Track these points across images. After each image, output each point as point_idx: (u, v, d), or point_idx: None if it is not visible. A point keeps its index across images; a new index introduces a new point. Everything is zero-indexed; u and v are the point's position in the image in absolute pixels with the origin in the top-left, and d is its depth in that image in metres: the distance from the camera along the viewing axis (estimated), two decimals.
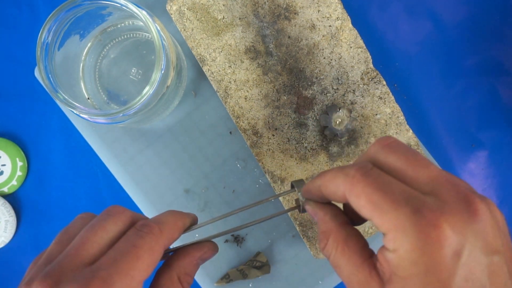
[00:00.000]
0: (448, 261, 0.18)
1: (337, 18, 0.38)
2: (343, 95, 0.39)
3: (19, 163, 0.43)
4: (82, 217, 0.25)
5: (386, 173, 0.21)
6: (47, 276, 0.21)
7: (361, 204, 0.20)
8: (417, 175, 0.21)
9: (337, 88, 0.39)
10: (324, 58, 0.38)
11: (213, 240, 0.27)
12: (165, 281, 0.25)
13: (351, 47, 0.38)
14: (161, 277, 0.25)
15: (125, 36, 0.39)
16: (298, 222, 0.38)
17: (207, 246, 0.27)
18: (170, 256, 0.26)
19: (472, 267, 0.18)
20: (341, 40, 0.38)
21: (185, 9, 0.38)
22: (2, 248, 0.43)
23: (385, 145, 0.22)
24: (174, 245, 0.27)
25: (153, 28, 0.31)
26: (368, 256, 0.22)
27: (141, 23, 0.35)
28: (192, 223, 0.27)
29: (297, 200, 0.28)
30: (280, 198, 0.39)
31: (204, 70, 0.39)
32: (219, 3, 0.38)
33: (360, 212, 0.21)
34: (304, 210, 0.27)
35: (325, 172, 0.23)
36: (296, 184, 0.27)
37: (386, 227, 0.19)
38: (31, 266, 0.24)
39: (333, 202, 0.25)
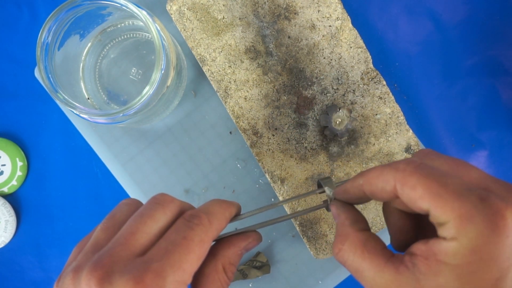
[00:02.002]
0: (510, 249, 0.18)
1: (337, 18, 0.38)
2: (343, 95, 0.39)
3: (19, 163, 0.43)
4: (127, 203, 0.25)
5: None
6: (98, 265, 0.20)
7: (418, 194, 0.20)
8: (468, 174, 0.21)
9: (337, 88, 0.39)
10: (324, 58, 0.38)
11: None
12: (210, 270, 0.24)
13: (351, 47, 0.38)
14: (206, 266, 0.24)
15: (125, 36, 0.39)
16: (298, 222, 0.38)
17: (252, 236, 0.26)
18: (214, 245, 0.26)
19: None
20: (341, 40, 0.38)
21: (185, 9, 0.38)
22: (2, 248, 0.43)
23: (428, 153, 0.23)
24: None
25: (153, 28, 0.31)
26: (390, 256, 0.21)
27: (141, 23, 0.35)
28: (237, 212, 0.26)
29: (325, 201, 0.27)
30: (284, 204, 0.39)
31: (204, 70, 0.39)
32: (219, 3, 0.38)
33: (415, 204, 0.20)
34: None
35: (367, 170, 0.23)
36: (324, 183, 0.27)
37: (447, 216, 0.19)
38: (75, 250, 0.23)
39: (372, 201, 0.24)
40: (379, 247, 0.22)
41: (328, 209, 0.27)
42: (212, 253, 0.25)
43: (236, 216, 0.26)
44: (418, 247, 0.20)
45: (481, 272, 0.19)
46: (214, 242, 0.26)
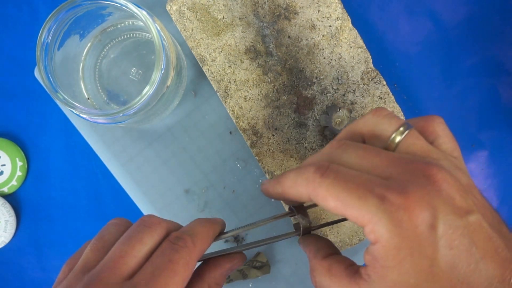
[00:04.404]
0: (427, 236, 0.19)
1: (337, 18, 0.38)
2: (343, 95, 0.39)
3: (19, 163, 0.43)
4: (116, 223, 0.25)
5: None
6: None
7: (331, 205, 0.21)
8: (372, 165, 0.21)
9: (337, 88, 0.39)
10: (324, 58, 0.38)
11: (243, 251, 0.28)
12: None
13: (351, 47, 0.38)
14: (193, 287, 0.25)
15: (125, 36, 0.39)
16: None
17: (237, 257, 0.27)
18: (201, 266, 0.26)
19: (451, 233, 0.19)
20: (341, 40, 0.38)
21: (185, 9, 0.38)
22: (2, 248, 0.43)
23: (339, 147, 0.23)
24: None
25: (153, 28, 0.31)
26: (354, 273, 0.22)
27: (141, 23, 0.35)
28: (221, 230, 0.27)
29: (296, 225, 0.28)
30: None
31: (204, 70, 0.39)
32: (219, 3, 0.38)
33: (333, 211, 0.21)
34: (304, 233, 0.27)
35: (283, 176, 0.24)
36: (297, 209, 0.27)
37: (361, 221, 0.20)
38: (65, 268, 0.24)
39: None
40: (343, 267, 0.23)
41: (300, 235, 0.28)
42: (199, 274, 0.26)
43: (220, 234, 0.27)
44: (366, 257, 0.21)
45: (414, 265, 0.19)
46: (200, 263, 0.26)
